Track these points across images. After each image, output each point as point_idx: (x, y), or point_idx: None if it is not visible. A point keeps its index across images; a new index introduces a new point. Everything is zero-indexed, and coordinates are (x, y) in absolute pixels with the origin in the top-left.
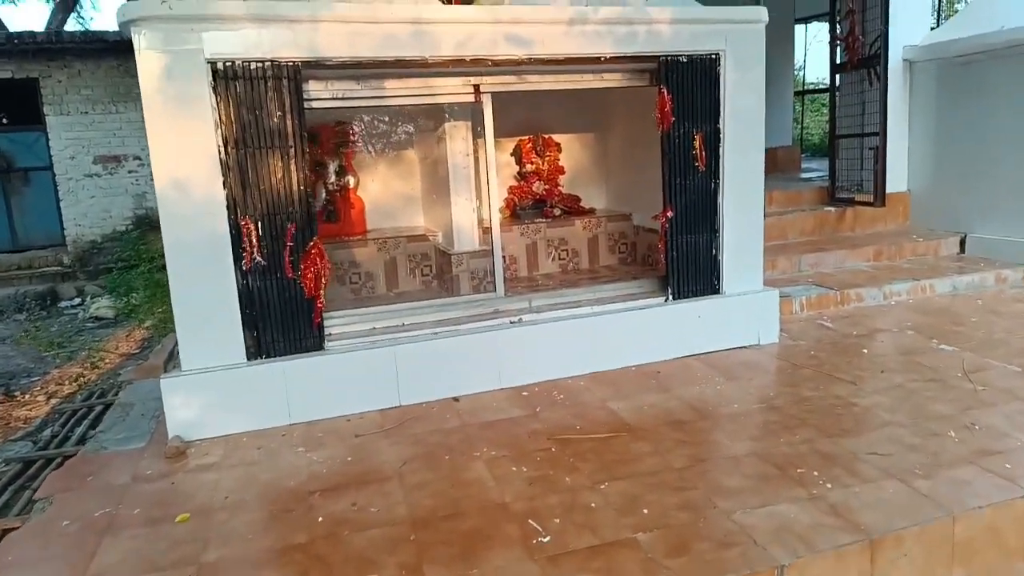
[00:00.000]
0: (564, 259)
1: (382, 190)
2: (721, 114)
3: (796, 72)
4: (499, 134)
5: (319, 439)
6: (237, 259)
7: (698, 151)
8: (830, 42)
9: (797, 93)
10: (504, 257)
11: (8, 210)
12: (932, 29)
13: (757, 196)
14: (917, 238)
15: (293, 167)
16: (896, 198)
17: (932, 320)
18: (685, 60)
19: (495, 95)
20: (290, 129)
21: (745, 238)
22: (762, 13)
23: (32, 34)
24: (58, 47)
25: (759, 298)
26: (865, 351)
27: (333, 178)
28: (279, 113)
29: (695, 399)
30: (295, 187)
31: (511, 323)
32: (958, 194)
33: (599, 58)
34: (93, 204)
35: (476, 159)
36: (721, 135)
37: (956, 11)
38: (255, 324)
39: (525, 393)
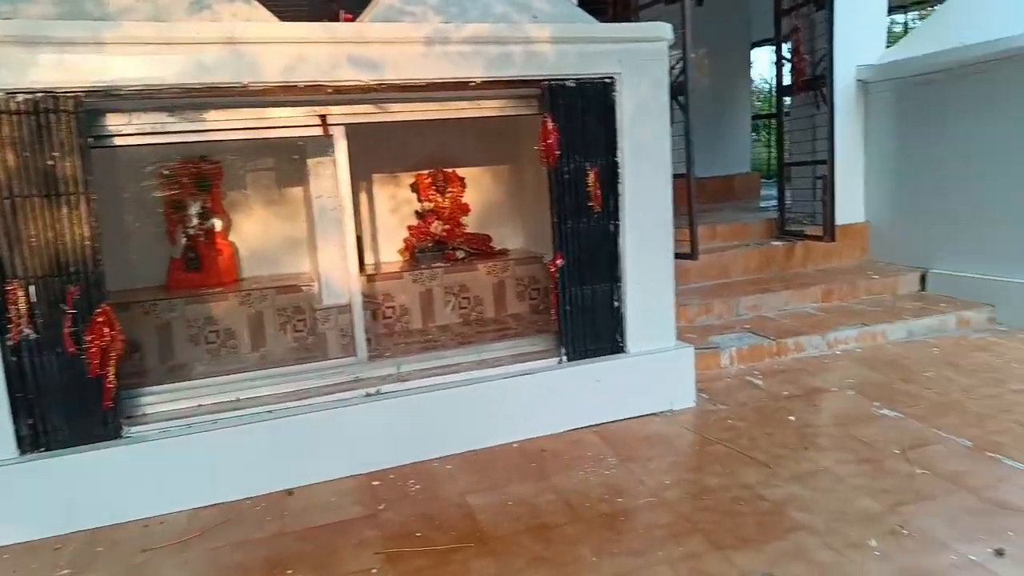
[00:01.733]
0: (465, 308)
1: (262, 232)
2: (618, 146)
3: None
4: (397, 167)
5: (93, 556)
6: (2, 332)
7: (592, 189)
8: (775, 63)
9: (760, 116)
10: (392, 309)
11: None
12: (888, 47)
13: (665, 239)
14: (873, 275)
15: (75, 218)
16: (852, 230)
17: (878, 376)
18: (573, 85)
19: (353, 127)
20: (70, 172)
21: (652, 288)
22: (662, 30)
23: None
24: None
25: (671, 357)
26: (792, 418)
27: (195, 221)
28: (56, 154)
29: (574, 491)
30: (78, 242)
31: (367, 395)
32: (918, 225)
33: (468, 83)
34: None
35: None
36: (620, 170)
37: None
38: (30, 410)
39: (376, 482)
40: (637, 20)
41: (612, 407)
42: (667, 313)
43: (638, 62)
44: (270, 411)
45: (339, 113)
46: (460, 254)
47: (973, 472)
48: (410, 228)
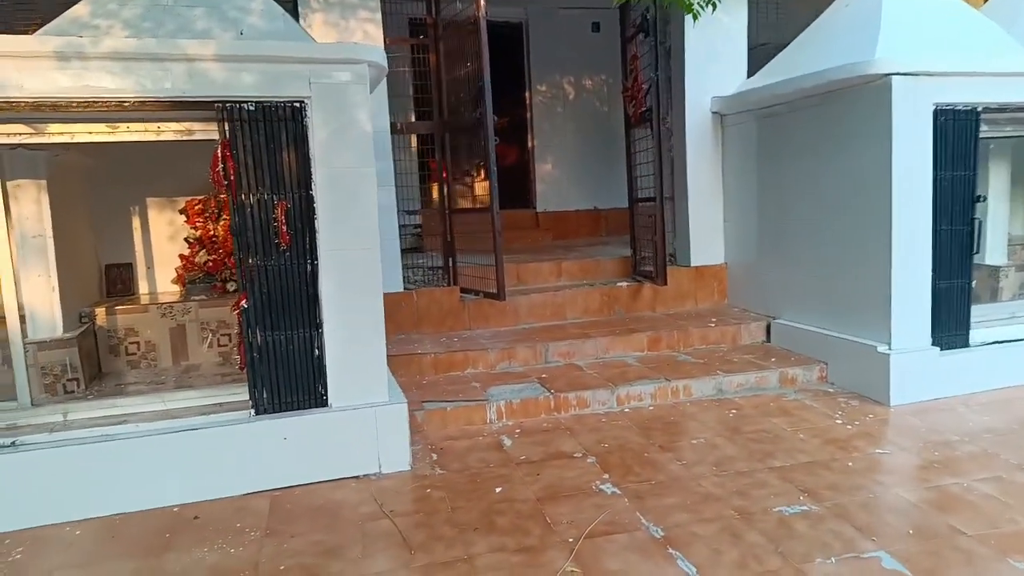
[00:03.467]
0: (224, 345)
1: None
2: (313, 177)
3: None
4: (177, 192)
5: None
6: None
7: (280, 224)
8: (622, 92)
9: None
10: (136, 345)
11: None
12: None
13: (372, 280)
14: (712, 323)
15: None
16: (710, 272)
17: (641, 440)
18: (254, 108)
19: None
20: None
21: (360, 334)
22: (361, 51)
23: None
24: None
25: (382, 413)
26: (499, 491)
27: None
28: None
29: (171, 574)
30: None
31: (2, 447)
32: (770, 270)
33: (124, 103)
34: None
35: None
36: (315, 204)
37: None
38: None
39: None
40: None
41: (304, 468)
42: (378, 363)
43: (334, 86)
44: None
45: None
46: (231, 286)
47: (631, 574)
48: (181, 257)
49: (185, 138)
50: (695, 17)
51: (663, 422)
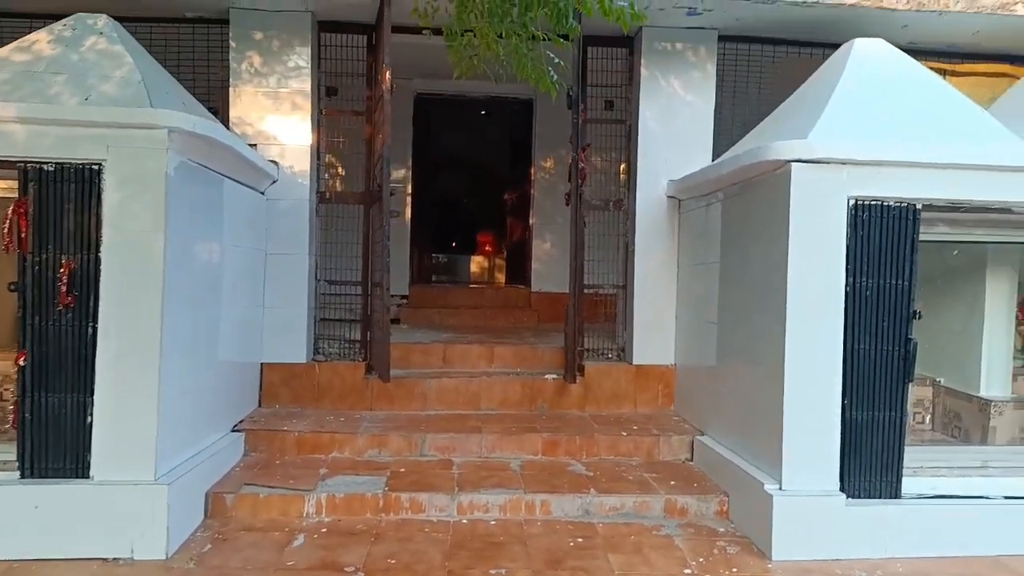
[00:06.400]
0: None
1: None
2: (103, 241)
3: None
4: None
5: None
6: None
7: (62, 284)
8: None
9: None
10: None
11: None
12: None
13: (150, 350)
14: (630, 431)
15: None
16: (655, 373)
17: (437, 561)
18: (53, 169)
19: None
20: None
21: (133, 406)
22: (157, 116)
23: None
24: None
25: (144, 493)
26: None
27: None
28: None
29: None
30: None
31: None
32: (704, 375)
33: None
34: None
35: None
36: (101, 267)
37: None
38: None
39: None
40: None
41: (54, 541)
42: (147, 438)
43: (130, 150)
44: None
45: None
46: None
47: None
48: None
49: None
50: (625, 27)
51: (485, 542)
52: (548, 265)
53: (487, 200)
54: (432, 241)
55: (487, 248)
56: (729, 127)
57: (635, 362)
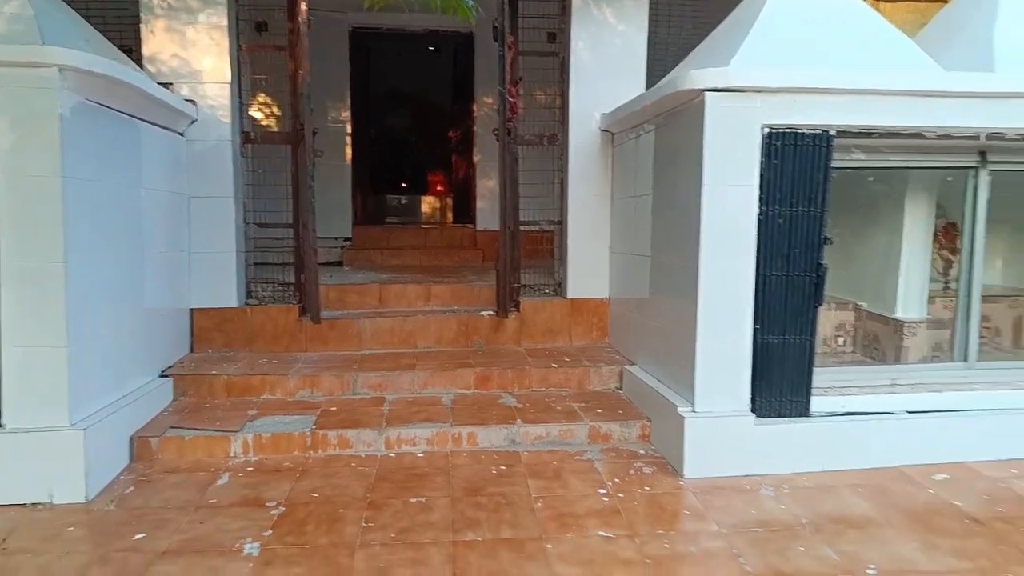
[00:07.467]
0: None
1: None
2: None
3: None
4: None
5: None
6: None
7: None
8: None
9: None
10: None
11: None
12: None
13: (55, 297)
14: (562, 362)
15: None
16: (590, 306)
17: (359, 493)
18: None
19: None
20: None
21: (39, 356)
22: (51, 55)
23: None
24: None
25: (59, 438)
26: (138, 537)
27: None
28: None
29: None
30: None
31: None
32: (634, 307)
33: None
34: None
35: None
36: None
37: None
38: None
39: None
40: None
41: None
42: (59, 385)
43: (18, 89)
44: None
45: None
46: None
47: None
48: None
49: None
50: (473, 22)
51: (409, 473)
52: (493, 203)
53: (433, 138)
54: (381, 182)
55: (438, 188)
56: (663, 58)
57: (570, 296)
